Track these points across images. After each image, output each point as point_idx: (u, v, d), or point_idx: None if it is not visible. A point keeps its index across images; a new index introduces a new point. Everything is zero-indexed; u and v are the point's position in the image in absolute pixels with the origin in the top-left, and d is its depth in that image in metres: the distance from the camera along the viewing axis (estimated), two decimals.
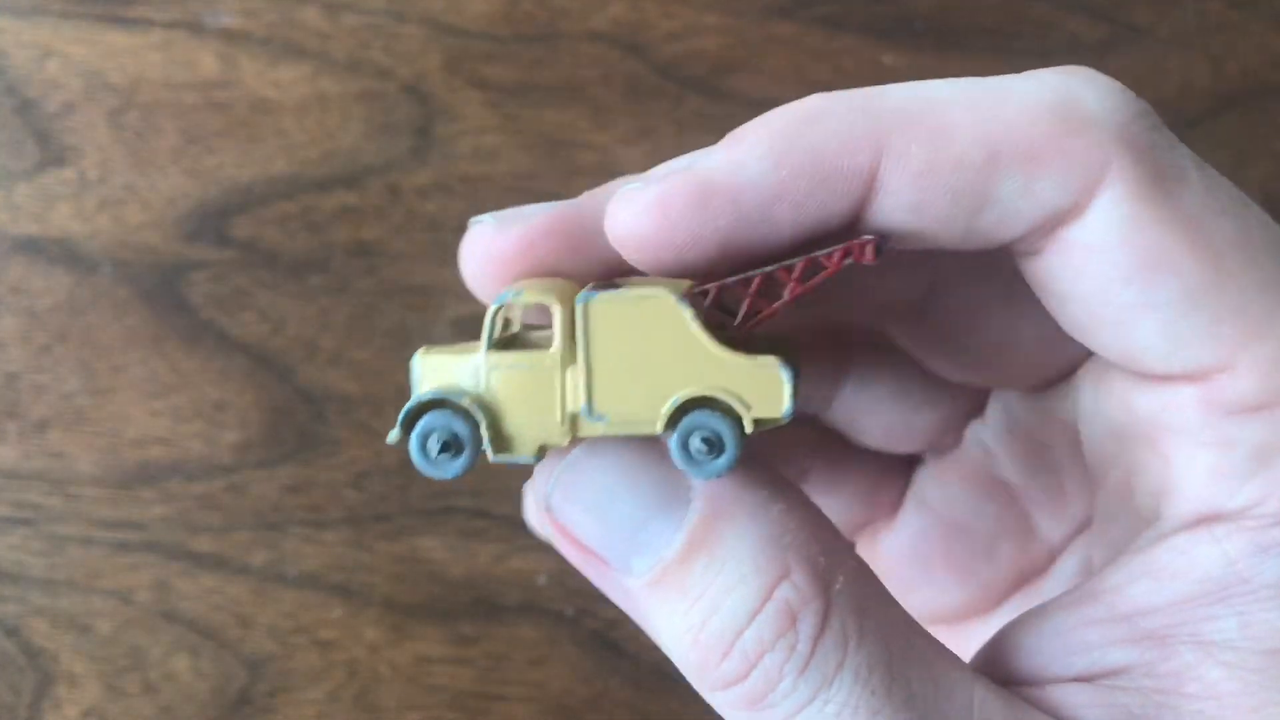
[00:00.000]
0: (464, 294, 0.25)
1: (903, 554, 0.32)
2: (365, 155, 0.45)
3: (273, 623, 0.44)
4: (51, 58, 0.45)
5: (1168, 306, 0.22)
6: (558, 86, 0.45)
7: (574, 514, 0.23)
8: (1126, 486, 0.26)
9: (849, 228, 0.23)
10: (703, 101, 0.45)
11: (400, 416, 0.23)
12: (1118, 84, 0.23)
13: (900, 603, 0.24)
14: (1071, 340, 0.24)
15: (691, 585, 0.22)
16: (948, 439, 0.31)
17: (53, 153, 0.45)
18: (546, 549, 0.45)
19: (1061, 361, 0.28)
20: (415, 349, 0.24)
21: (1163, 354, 0.23)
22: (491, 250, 0.25)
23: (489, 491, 0.44)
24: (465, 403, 0.23)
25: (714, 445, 0.22)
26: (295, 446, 0.45)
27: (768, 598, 0.22)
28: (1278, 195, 0.47)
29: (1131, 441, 0.25)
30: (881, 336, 0.30)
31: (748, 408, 0.22)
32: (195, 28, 0.45)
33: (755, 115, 0.23)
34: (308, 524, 0.44)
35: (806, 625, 0.22)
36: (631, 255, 0.23)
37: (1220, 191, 0.22)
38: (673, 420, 0.22)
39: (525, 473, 0.25)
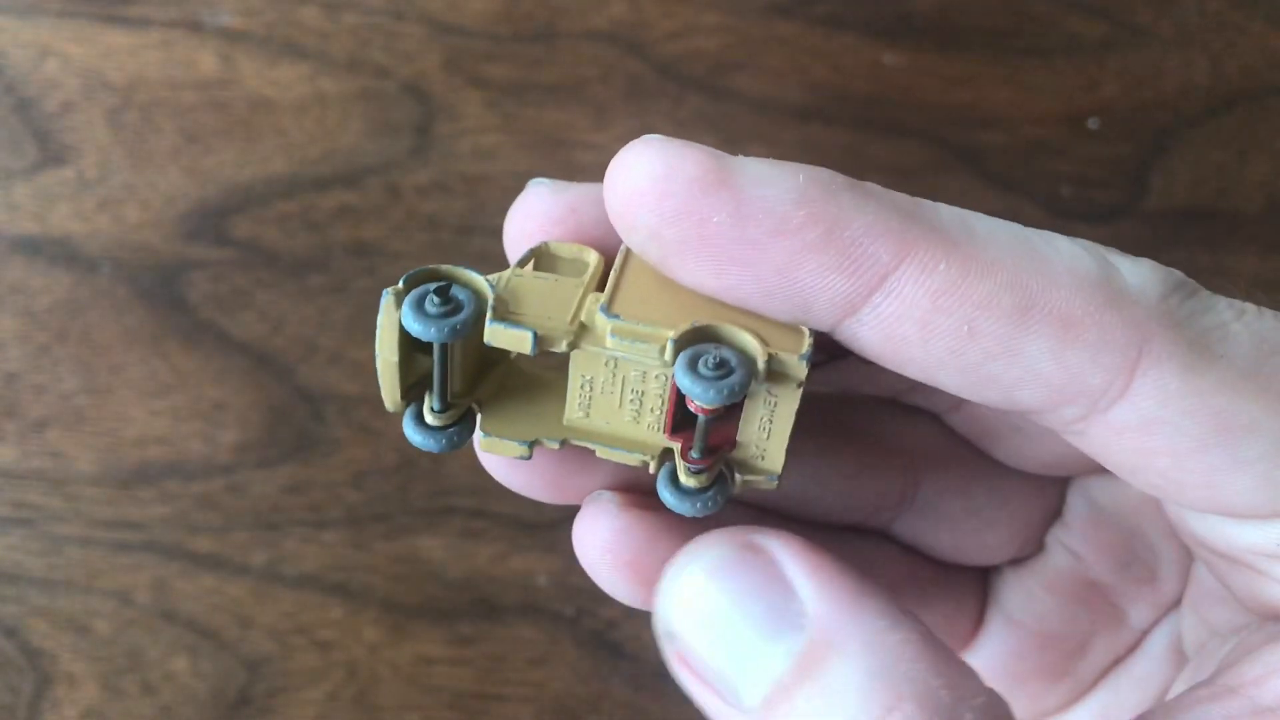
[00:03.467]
0: None
1: (992, 673, 0.30)
2: (365, 154, 0.45)
3: (272, 623, 0.44)
4: (50, 57, 0.45)
5: (1259, 461, 0.21)
6: (557, 86, 0.45)
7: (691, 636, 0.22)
8: (1223, 581, 0.25)
9: (834, 319, 0.21)
10: (703, 100, 0.45)
11: (403, 278, 0.21)
12: (1150, 261, 0.22)
13: None
14: None
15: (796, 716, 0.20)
16: (1029, 547, 0.30)
17: (52, 152, 0.45)
18: (547, 549, 0.45)
19: None
20: None
21: (1264, 502, 0.21)
22: (536, 210, 0.24)
23: (489, 491, 0.44)
24: (477, 279, 0.22)
25: (724, 366, 0.20)
26: (294, 446, 0.44)
27: None
28: (1278, 195, 0.47)
29: (1229, 556, 0.24)
30: (947, 430, 0.28)
31: (765, 343, 0.21)
32: (194, 27, 0.45)
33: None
34: (307, 524, 0.44)
35: None
36: (616, 199, 0.21)
37: (1268, 329, 0.21)
38: (682, 348, 0.21)
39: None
